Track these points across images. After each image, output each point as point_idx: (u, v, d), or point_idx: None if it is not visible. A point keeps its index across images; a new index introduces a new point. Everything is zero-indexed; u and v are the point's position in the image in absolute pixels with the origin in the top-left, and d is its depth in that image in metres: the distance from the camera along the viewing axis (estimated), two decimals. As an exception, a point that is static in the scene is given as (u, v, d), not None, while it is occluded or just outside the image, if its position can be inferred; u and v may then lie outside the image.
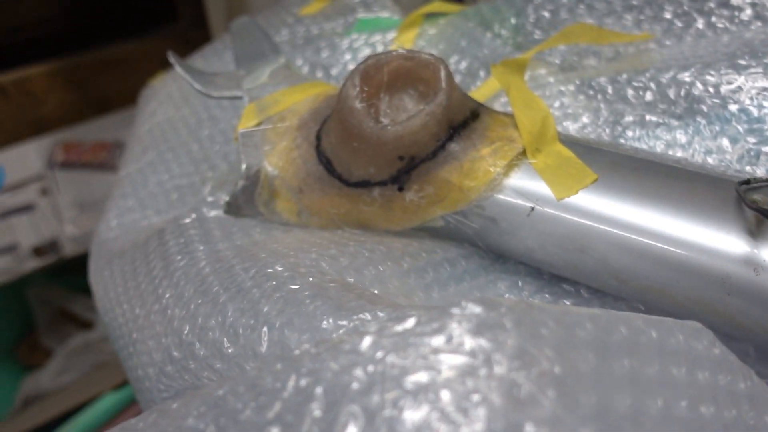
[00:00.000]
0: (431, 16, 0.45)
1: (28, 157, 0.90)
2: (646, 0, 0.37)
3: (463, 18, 0.43)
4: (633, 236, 0.25)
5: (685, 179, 0.26)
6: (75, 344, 0.99)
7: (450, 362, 0.16)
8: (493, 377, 0.15)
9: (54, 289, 0.99)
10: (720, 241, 0.24)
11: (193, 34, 1.16)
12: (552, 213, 0.27)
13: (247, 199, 0.34)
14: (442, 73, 0.30)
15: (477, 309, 0.16)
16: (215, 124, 0.48)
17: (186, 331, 0.26)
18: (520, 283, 0.29)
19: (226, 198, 0.35)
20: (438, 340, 0.16)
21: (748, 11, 0.33)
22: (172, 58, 0.39)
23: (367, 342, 0.16)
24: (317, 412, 0.15)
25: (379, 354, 0.16)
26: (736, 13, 0.33)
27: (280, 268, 0.26)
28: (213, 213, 0.35)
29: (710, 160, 0.30)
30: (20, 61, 1.13)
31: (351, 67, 0.45)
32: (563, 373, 0.16)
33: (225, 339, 0.24)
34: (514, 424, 0.14)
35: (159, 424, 0.18)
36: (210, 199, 0.37)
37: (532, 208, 0.27)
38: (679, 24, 0.35)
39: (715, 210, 0.24)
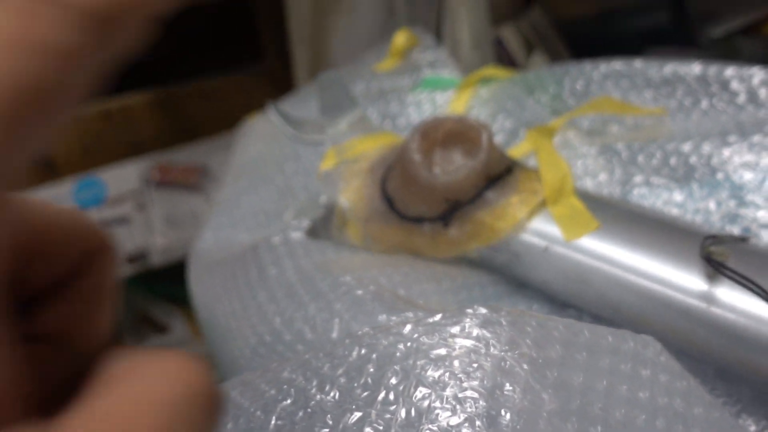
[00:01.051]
0: (485, 80, 0.53)
1: (127, 175, 1.02)
2: (663, 79, 0.44)
3: (511, 83, 0.51)
4: (623, 273, 0.33)
5: (668, 231, 0.33)
6: (152, 345, 1.10)
7: (461, 343, 0.24)
8: (489, 354, 0.23)
9: (137, 295, 1.11)
10: (686, 281, 0.31)
11: (278, 73, 1.28)
12: (562, 251, 0.35)
13: (324, 226, 0.43)
14: (484, 137, 0.38)
15: (483, 311, 0.24)
16: (298, 160, 0.57)
17: (277, 322, 0.34)
18: (534, 306, 0.37)
19: (307, 223, 0.44)
20: (455, 329, 0.24)
21: (743, 96, 0.40)
22: (270, 104, 0.48)
23: (407, 328, 0.25)
24: (372, 370, 0.24)
25: (415, 335, 0.24)
26: (734, 97, 0.40)
27: (348, 279, 0.34)
28: (295, 234, 0.44)
29: (698, 218, 0.37)
30: (121, 88, 1.27)
31: (414, 118, 0.54)
32: (537, 356, 0.23)
33: (306, 328, 0.32)
34: (498, 384, 0.22)
35: (265, 375, 0.26)
36: (293, 222, 0.45)
37: (546, 247, 0.35)
38: (688, 103, 0.42)
39: (685, 257, 0.31)
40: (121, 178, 1.01)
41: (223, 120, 1.25)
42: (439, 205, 0.38)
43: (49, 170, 1.06)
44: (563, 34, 0.67)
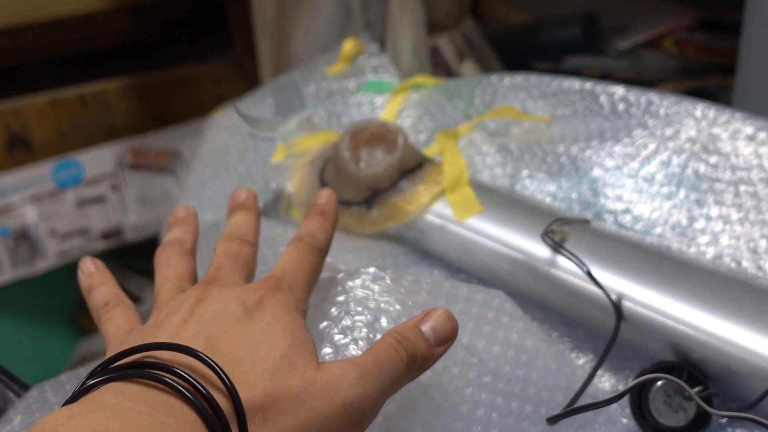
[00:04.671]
0: (416, 86, 0.63)
1: (103, 158, 1.10)
2: (551, 92, 0.54)
3: (436, 90, 0.61)
4: (494, 245, 0.43)
5: (533, 214, 0.43)
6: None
7: (355, 292, 0.34)
8: (374, 299, 0.33)
9: (111, 269, 1.19)
10: (537, 250, 0.41)
11: (246, 64, 1.36)
12: (453, 229, 0.45)
13: (274, 208, 0.53)
14: (400, 139, 0.48)
15: (372, 269, 0.34)
16: (257, 152, 0.66)
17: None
18: (435, 272, 0.47)
19: (261, 205, 0.53)
20: (352, 282, 0.34)
21: (607, 108, 0.50)
22: (235, 107, 0.58)
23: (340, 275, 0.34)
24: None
25: (324, 287, 0.34)
26: (601, 108, 0.51)
27: (287, 249, 0.44)
28: (251, 214, 0.53)
29: (564, 205, 0.47)
30: (96, 74, 1.34)
31: (355, 117, 0.63)
32: (407, 300, 0.33)
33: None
34: (377, 318, 0.32)
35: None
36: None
37: (442, 225, 0.45)
38: (567, 112, 0.52)
39: (538, 233, 0.42)
40: (98, 160, 1.09)
41: (195, 107, 1.33)
42: (364, 191, 0.48)
43: (26, 151, 1.14)
44: (493, 43, 0.77)
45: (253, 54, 1.34)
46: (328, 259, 0.43)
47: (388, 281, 0.34)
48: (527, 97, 0.55)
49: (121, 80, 1.33)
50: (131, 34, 1.47)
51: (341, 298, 0.34)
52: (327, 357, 0.31)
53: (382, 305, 0.33)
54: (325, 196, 0.37)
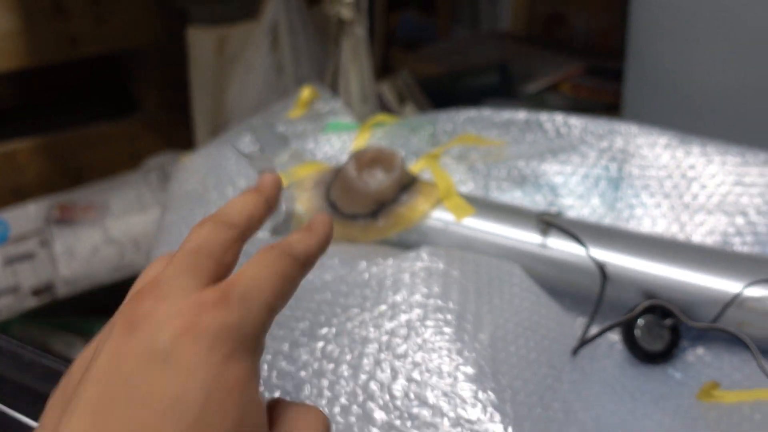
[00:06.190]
0: (378, 124, 0.74)
1: (29, 214, 1.10)
2: (502, 122, 0.67)
3: (399, 126, 0.72)
4: (492, 237, 0.54)
5: (517, 212, 0.55)
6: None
7: (419, 265, 0.43)
8: (437, 269, 0.42)
9: (38, 327, 1.17)
10: (530, 237, 0.52)
11: (160, 118, 1.41)
12: (454, 228, 0.55)
13: (285, 227, 0.60)
14: (398, 159, 0.58)
15: (427, 250, 0.44)
16: (236, 186, 0.73)
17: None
18: (438, 266, 0.56)
19: (270, 227, 0.61)
20: (414, 258, 0.43)
21: (552, 132, 0.63)
22: (231, 145, 0.65)
23: (388, 261, 0.43)
24: (374, 283, 0.42)
25: (390, 262, 0.43)
26: (546, 133, 0.64)
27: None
28: (263, 234, 0.60)
29: (531, 206, 0.59)
30: (3, 136, 1.33)
31: (329, 152, 0.72)
32: (462, 269, 0.43)
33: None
34: (447, 283, 0.42)
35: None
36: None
37: (445, 227, 0.55)
38: (518, 137, 0.65)
39: (528, 224, 0.53)
40: (23, 217, 1.09)
41: (109, 164, 1.35)
42: (371, 205, 0.57)
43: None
44: (424, 89, 0.90)
45: (170, 111, 1.40)
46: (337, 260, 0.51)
47: (443, 255, 0.44)
48: (482, 128, 0.68)
49: (31, 140, 1.34)
50: (32, 97, 1.47)
51: (405, 275, 0.43)
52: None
53: (446, 272, 0.42)
54: (319, 218, 0.31)
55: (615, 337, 0.49)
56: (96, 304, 1.08)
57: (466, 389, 0.35)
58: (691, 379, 0.43)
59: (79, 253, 1.10)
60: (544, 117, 0.64)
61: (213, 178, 0.76)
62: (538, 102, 0.92)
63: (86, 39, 1.30)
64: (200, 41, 1.01)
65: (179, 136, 1.36)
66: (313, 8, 1.06)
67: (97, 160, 1.35)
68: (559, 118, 0.64)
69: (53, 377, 0.41)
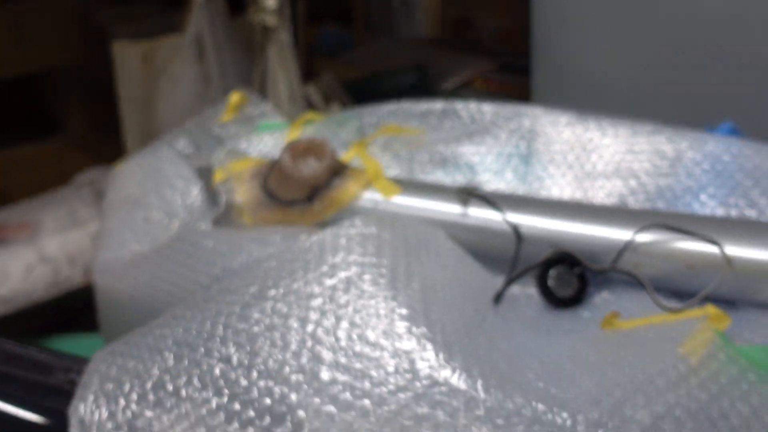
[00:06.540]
0: (308, 121, 0.78)
1: (-43, 237, 1.09)
2: (420, 113, 0.72)
3: (327, 122, 0.77)
4: (418, 212, 0.59)
5: (440, 189, 0.60)
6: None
7: (355, 230, 0.48)
8: (372, 234, 0.47)
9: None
10: (452, 209, 0.58)
11: (89, 137, 1.41)
12: (384, 206, 0.60)
13: (226, 217, 0.64)
14: (329, 147, 0.63)
15: (359, 221, 0.49)
16: (174, 189, 0.76)
17: (219, 267, 0.55)
18: (372, 242, 0.61)
19: (212, 217, 0.64)
20: (348, 226, 0.48)
21: (467, 118, 0.70)
22: (170, 146, 0.68)
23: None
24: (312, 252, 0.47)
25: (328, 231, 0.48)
26: (461, 119, 0.70)
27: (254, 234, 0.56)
28: (204, 225, 0.64)
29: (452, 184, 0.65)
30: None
31: (262, 149, 0.77)
32: (384, 233, 0.48)
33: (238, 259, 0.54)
34: (381, 245, 0.47)
35: (248, 269, 0.47)
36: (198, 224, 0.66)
37: (374, 205, 0.60)
38: (437, 124, 0.71)
39: (450, 198, 0.58)
40: (-49, 240, 1.07)
41: (36, 185, 1.34)
42: (306, 190, 0.62)
43: None
44: (348, 91, 0.95)
45: (96, 129, 1.40)
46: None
47: (374, 221, 0.49)
48: (403, 119, 0.73)
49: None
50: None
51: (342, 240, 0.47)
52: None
53: (377, 236, 0.47)
54: None
55: (532, 290, 0.55)
56: (34, 321, 1.08)
57: (401, 327, 0.40)
58: (598, 316, 0.50)
59: (13, 272, 1.09)
60: (459, 105, 0.71)
61: (151, 182, 0.79)
62: (454, 98, 0.98)
63: (6, 61, 1.29)
64: (126, 55, 1.04)
65: (107, 153, 1.36)
66: (235, 19, 1.10)
67: (24, 182, 1.34)
68: (472, 105, 0.70)
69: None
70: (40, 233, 1.12)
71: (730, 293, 0.48)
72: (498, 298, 0.50)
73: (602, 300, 0.52)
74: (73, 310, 1.06)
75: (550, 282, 0.52)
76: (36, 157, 1.37)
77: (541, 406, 0.35)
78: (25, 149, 1.36)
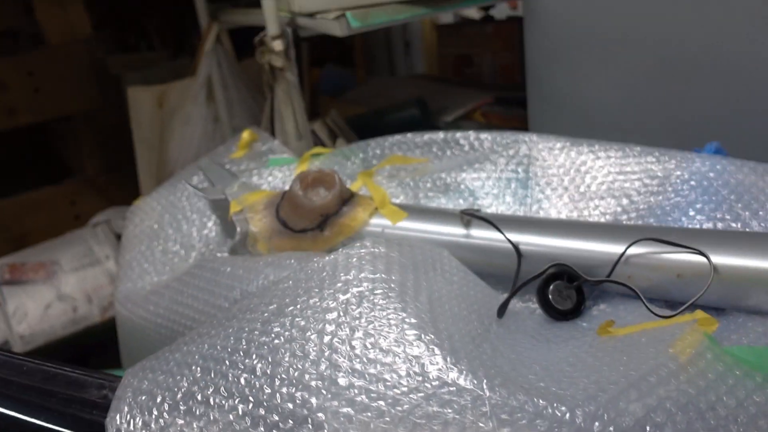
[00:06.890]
0: (316, 155, 0.82)
1: (-22, 278, 1.13)
2: (423, 143, 0.76)
3: (334, 155, 0.81)
4: (423, 235, 0.62)
5: (443, 213, 0.64)
6: None
7: (364, 251, 0.51)
8: (379, 252, 0.51)
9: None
10: (456, 231, 0.61)
11: (100, 180, 1.45)
12: (391, 231, 0.64)
13: (242, 245, 0.68)
14: (337, 178, 0.67)
15: (369, 241, 0.52)
16: (190, 222, 0.80)
17: (236, 291, 0.58)
18: (380, 265, 0.65)
19: (229, 246, 0.68)
20: (359, 246, 0.52)
21: (467, 146, 0.74)
22: (185, 182, 0.72)
23: (335, 253, 0.51)
24: (327, 270, 0.50)
25: (338, 252, 0.51)
26: (462, 147, 0.74)
27: (271, 259, 0.60)
28: (220, 254, 0.67)
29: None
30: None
31: (273, 183, 0.81)
32: (399, 252, 0.52)
33: (258, 282, 0.57)
34: (389, 263, 0.50)
35: (267, 290, 0.51)
36: (214, 255, 0.69)
37: (383, 230, 0.64)
38: (439, 153, 0.75)
39: (454, 221, 0.62)
40: (-27, 281, 1.11)
41: (51, 227, 1.38)
42: (317, 218, 0.65)
43: None
44: (352, 126, 1.00)
45: (109, 172, 1.45)
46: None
47: (383, 242, 0.52)
48: (407, 149, 0.77)
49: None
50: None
51: (353, 259, 0.51)
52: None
53: (386, 255, 0.51)
54: None
55: (534, 305, 0.58)
56: (55, 357, 1.10)
57: (411, 334, 0.43)
58: (595, 326, 0.53)
59: (32, 311, 1.12)
60: (459, 135, 0.75)
61: (168, 216, 0.83)
62: (455, 130, 1.03)
63: (23, 109, 1.35)
64: (140, 99, 1.09)
65: (121, 195, 1.41)
66: (242, 63, 1.16)
67: (41, 224, 1.38)
68: (471, 134, 0.74)
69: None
70: (57, 272, 1.16)
71: (718, 300, 0.51)
72: (501, 311, 0.53)
73: (600, 311, 0.55)
74: (91, 347, 1.09)
75: (550, 296, 0.55)
76: (52, 200, 1.41)
77: (542, 402, 0.38)
78: (41, 192, 1.40)
